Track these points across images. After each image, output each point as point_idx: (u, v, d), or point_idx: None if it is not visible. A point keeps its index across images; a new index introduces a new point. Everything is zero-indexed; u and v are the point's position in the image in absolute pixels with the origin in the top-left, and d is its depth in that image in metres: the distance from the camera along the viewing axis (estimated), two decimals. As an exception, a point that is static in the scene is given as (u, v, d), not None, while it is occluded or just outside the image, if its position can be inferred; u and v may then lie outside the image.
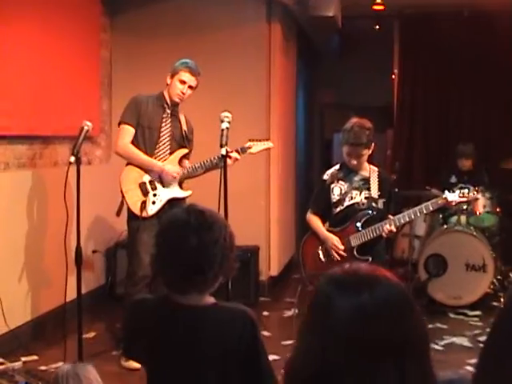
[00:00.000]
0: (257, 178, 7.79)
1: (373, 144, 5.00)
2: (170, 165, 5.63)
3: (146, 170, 5.63)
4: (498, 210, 7.81)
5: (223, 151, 4.75)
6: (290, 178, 9.14)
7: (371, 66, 11.12)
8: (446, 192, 4.97)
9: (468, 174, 8.13)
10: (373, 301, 1.40)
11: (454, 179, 8.13)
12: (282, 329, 6.51)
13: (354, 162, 4.97)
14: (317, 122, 12.77)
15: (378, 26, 10.55)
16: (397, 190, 7.22)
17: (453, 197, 4.90)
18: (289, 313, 7.00)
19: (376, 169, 5.15)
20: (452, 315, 7.09)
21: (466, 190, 4.94)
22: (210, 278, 2.45)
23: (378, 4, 9.09)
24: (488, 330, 1.50)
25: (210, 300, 2.55)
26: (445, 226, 7.68)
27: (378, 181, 5.07)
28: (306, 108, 11.34)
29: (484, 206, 7.70)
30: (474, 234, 7.35)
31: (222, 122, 4.81)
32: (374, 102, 10.99)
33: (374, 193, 5.03)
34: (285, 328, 6.45)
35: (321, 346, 1.40)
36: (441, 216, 7.84)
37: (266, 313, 7.13)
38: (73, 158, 4.77)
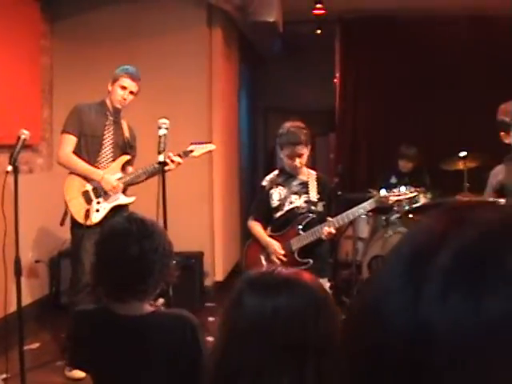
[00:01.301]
0: (200, 182, 7.83)
1: (309, 145, 5.08)
2: (109, 173, 5.64)
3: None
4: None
5: (161, 158, 4.78)
6: (233, 182, 9.20)
7: (314, 70, 11.26)
8: (383, 190, 5.08)
9: (409, 174, 8.28)
10: (276, 302, 1.47)
11: (394, 179, 8.28)
12: (227, 333, 6.53)
13: (296, 164, 5.04)
14: (260, 126, 12.86)
15: (319, 31, 10.67)
16: (340, 192, 7.33)
17: (386, 192, 5.01)
18: (235, 317, 7.03)
19: (314, 173, 5.24)
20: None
21: (403, 188, 5.06)
22: (151, 286, 2.49)
23: (319, 9, 9.19)
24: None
25: (149, 308, 2.58)
26: (387, 228, 7.80)
27: (317, 184, 5.16)
28: (250, 112, 11.42)
29: (425, 207, 7.84)
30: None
31: (160, 128, 4.84)
32: (316, 105, 11.12)
33: (313, 196, 5.12)
34: (231, 333, 6.47)
35: (228, 342, 1.47)
36: (384, 218, 7.97)
37: (211, 318, 7.15)
38: (10, 167, 4.72)
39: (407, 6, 9.39)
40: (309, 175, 5.20)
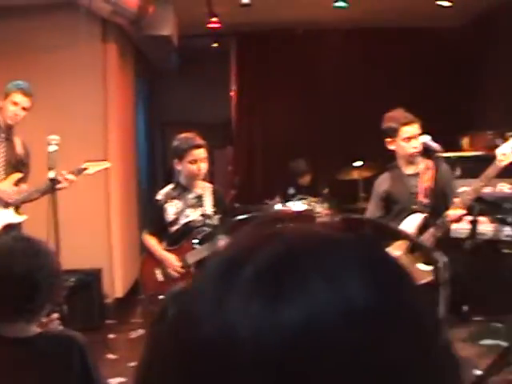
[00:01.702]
0: (96, 198, 7.76)
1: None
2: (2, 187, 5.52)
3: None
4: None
5: (51, 174, 4.71)
6: (131, 197, 9.14)
7: (211, 83, 11.31)
8: (278, 205, 5.18)
9: (306, 187, 8.43)
10: None
11: (292, 191, 8.40)
12: (128, 350, 6.49)
13: (200, 168, 5.06)
14: (158, 141, 12.82)
15: (216, 44, 10.76)
16: (237, 204, 7.39)
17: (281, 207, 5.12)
18: (135, 334, 7.00)
19: (210, 185, 5.28)
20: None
21: (298, 202, 5.18)
22: (38, 305, 2.46)
23: (214, 22, 9.27)
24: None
25: (36, 330, 2.54)
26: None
27: (213, 197, 5.19)
28: (147, 127, 11.38)
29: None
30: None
31: (50, 145, 4.77)
32: (214, 118, 11.18)
33: (209, 209, 5.15)
34: (132, 349, 6.43)
35: (151, 358, 1.48)
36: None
37: (111, 335, 7.09)
38: None
39: (303, 20, 9.58)
40: (204, 188, 5.23)
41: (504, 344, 5.88)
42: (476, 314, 7.72)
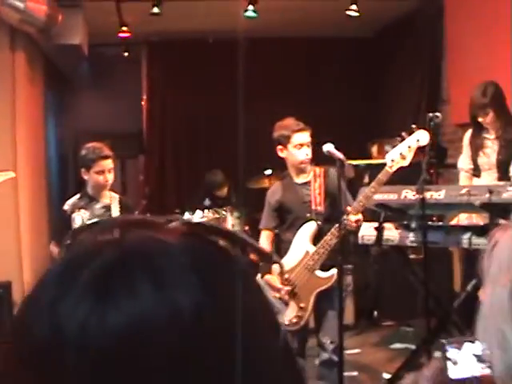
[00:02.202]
0: (4, 209, 7.60)
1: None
2: None
3: None
4: (246, 228, 8.18)
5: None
6: (42, 208, 9.00)
7: (123, 92, 11.22)
8: (186, 214, 5.20)
9: (223, 199, 8.45)
10: None
11: (207, 202, 8.40)
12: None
13: (107, 179, 5.04)
14: (70, 151, 12.62)
15: (127, 53, 10.70)
16: (148, 214, 7.35)
17: (189, 216, 5.14)
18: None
19: (117, 196, 5.27)
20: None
21: (207, 211, 5.19)
22: None
23: (124, 31, 9.21)
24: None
25: None
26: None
27: (120, 207, 5.18)
28: (59, 137, 11.21)
29: (233, 226, 8.02)
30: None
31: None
32: (126, 128, 11.07)
33: (116, 220, 5.12)
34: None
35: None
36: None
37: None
38: None
39: (214, 29, 9.63)
40: (112, 198, 5.21)
41: (413, 347, 6.03)
42: (386, 319, 7.90)
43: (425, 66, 9.31)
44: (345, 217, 4.82)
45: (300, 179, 5.28)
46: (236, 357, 0.63)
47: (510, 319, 0.82)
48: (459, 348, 1.94)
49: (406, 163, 4.98)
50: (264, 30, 9.52)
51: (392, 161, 4.99)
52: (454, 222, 5.78)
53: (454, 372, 1.90)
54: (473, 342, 1.86)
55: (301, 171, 5.25)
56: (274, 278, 5.17)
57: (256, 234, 8.37)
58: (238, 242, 0.75)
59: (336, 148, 4.89)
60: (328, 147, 4.92)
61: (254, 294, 0.72)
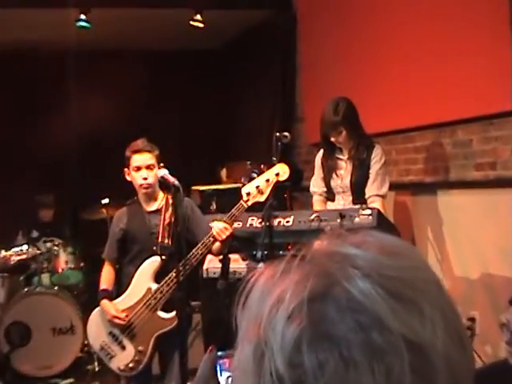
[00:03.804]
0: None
1: None
2: None
3: None
4: (82, 264, 7.96)
5: None
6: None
7: None
8: (1, 251, 5.02)
9: (50, 226, 8.22)
10: None
11: (35, 234, 8.14)
12: None
13: None
14: None
15: None
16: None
17: (5, 252, 4.97)
18: None
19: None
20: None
21: (26, 247, 5.03)
22: None
23: None
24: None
25: None
26: (26, 289, 7.56)
27: None
28: None
29: (66, 262, 7.80)
30: (59, 294, 7.41)
31: None
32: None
33: None
34: None
35: None
36: (22, 278, 7.76)
37: None
38: None
39: (46, 40, 9.41)
40: None
41: None
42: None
43: (277, 81, 9.40)
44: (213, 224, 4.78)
45: (150, 207, 5.19)
46: None
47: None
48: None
49: (262, 198, 4.96)
50: (99, 42, 9.40)
51: (248, 194, 4.95)
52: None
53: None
54: None
55: (149, 198, 5.16)
56: (110, 305, 5.06)
57: (94, 271, 8.23)
58: None
59: (172, 174, 4.83)
60: (161, 172, 4.86)
61: None
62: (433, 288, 0.83)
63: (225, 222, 4.92)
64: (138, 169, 5.04)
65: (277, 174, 5.00)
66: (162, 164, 5.07)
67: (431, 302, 0.80)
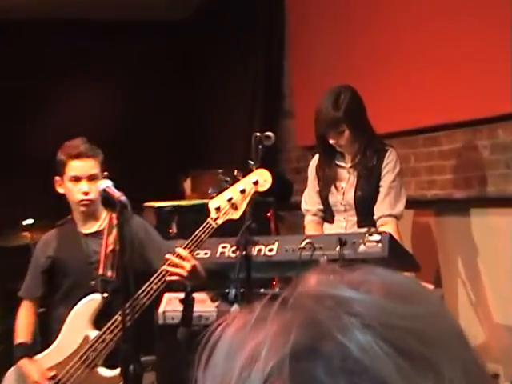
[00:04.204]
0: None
1: None
2: None
3: None
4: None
5: None
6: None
7: None
8: None
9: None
10: None
11: None
12: None
13: None
14: None
15: None
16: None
17: None
18: None
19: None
20: None
21: None
22: None
23: None
24: None
25: None
26: None
27: None
28: None
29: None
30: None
31: None
32: None
33: None
34: None
35: None
36: None
37: None
38: None
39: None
40: None
41: None
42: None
43: (259, 64, 9.38)
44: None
45: (87, 228, 5.14)
46: None
47: None
48: None
49: (237, 215, 4.71)
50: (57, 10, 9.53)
51: (217, 210, 4.75)
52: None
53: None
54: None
55: (88, 217, 5.12)
56: (32, 366, 5.00)
57: (11, 314, 8.21)
58: None
59: (117, 187, 4.71)
60: (103, 184, 4.71)
61: None
62: (453, 341, 0.83)
63: (186, 248, 4.78)
64: (77, 179, 4.96)
65: (255, 183, 4.72)
66: (105, 173, 5.02)
67: (451, 358, 0.79)
